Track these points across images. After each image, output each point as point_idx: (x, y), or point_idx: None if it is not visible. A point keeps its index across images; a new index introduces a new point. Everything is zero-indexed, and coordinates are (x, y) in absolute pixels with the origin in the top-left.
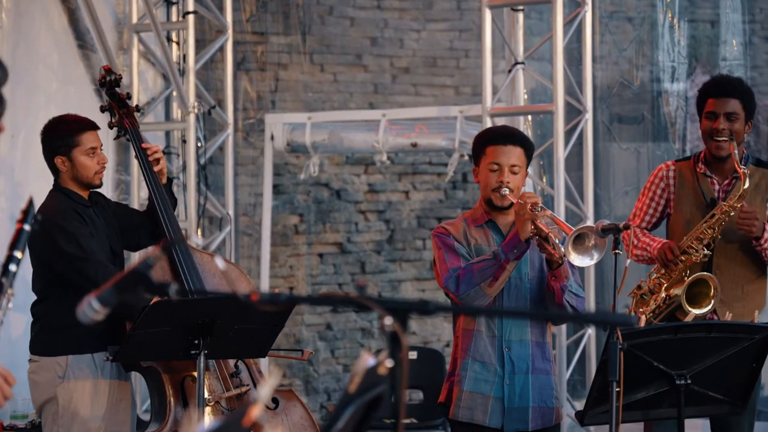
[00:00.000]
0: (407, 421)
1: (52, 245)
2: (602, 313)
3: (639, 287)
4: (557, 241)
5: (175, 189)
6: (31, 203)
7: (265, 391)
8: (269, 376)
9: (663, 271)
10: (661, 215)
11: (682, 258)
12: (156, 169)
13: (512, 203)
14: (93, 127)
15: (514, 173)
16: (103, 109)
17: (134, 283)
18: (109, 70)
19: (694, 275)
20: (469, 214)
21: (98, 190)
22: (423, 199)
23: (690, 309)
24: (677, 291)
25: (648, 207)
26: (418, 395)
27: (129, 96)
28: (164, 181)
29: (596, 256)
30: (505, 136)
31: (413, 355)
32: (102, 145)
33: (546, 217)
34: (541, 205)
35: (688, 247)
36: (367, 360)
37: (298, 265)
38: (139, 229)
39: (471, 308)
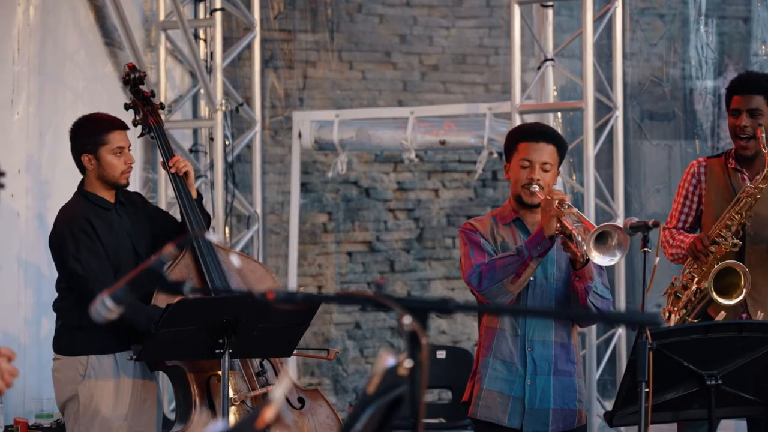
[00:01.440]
0: (435, 420)
1: (61, 258)
2: (626, 312)
3: (672, 285)
4: (580, 239)
5: (202, 187)
6: None
7: (279, 392)
8: (284, 377)
9: (695, 265)
10: (696, 213)
11: (712, 249)
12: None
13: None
14: (122, 126)
15: (546, 171)
16: (127, 107)
17: (148, 281)
18: (133, 68)
19: (721, 263)
20: (498, 211)
21: (137, 190)
22: (452, 197)
23: (720, 299)
24: (707, 283)
25: (682, 206)
26: (447, 395)
27: (153, 93)
28: (194, 195)
29: (618, 255)
30: (538, 132)
31: (442, 354)
32: (130, 145)
33: (572, 215)
34: (568, 203)
35: (717, 236)
36: (387, 360)
37: (326, 263)
38: (172, 238)
39: (491, 307)
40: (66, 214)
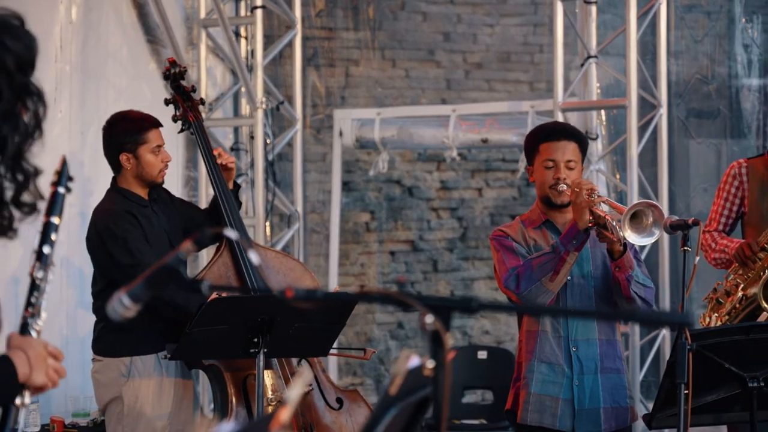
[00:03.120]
0: (476, 422)
1: (105, 251)
2: (656, 312)
3: (714, 290)
4: (615, 224)
5: (243, 185)
6: (64, 163)
7: (295, 392)
8: (299, 377)
9: (740, 271)
10: (737, 215)
11: (761, 255)
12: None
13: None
14: (158, 124)
15: (570, 168)
16: (167, 102)
17: (165, 278)
18: (173, 63)
19: None
20: (526, 216)
21: (164, 185)
22: (496, 196)
23: None
24: (754, 289)
25: (723, 208)
26: (488, 395)
27: (194, 89)
28: (231, 186)
29: (657, 233)
30: (558, 131)
31: (483, 355)
32: (165, 143)
33: (603, 203)
34: (597, 192)
35: (766, 242)
36: (410, 360)
37: (369, 263)
38: (202, 227)
39: (513, 306)
40: (105, 210)
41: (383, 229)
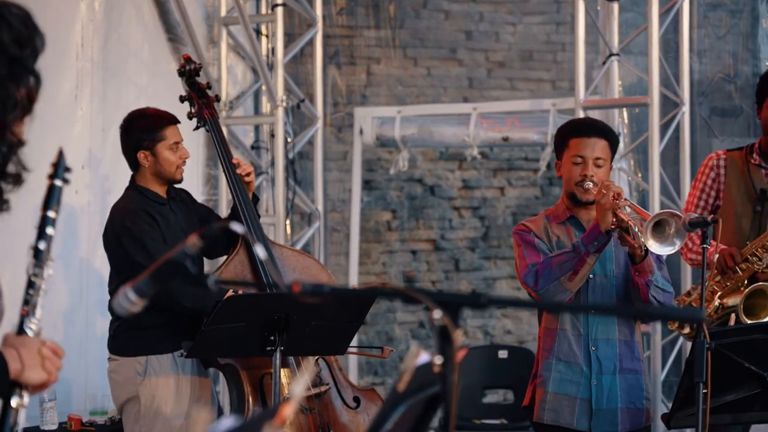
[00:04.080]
0: (497, 421)
1: (122, 251)
2: (669, 308)
3: (689, 294)
4: (637, 230)
5: (264, 184)
6: (61, 155)
7: (299, 389)
8: (304, 373)
9: (718, 278)
10: (711, 208)
11: (743, 266)
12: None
13: None
14: (175, 121)
15: (599, 166)
16: (182, 99)
17: (171, 272)
18: (188, 59)
19: (754, 285)
20: (551, 210)
21: (185, 187)
22: (518, 195)
23: (747, 321)
24: (733, 301)
25: (698, 199)
26: (509, 395)
27: (209, 86)
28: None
29: (678, 244)
30: (589, 127)
31: (504, 354)
32: (183, 140)
33: (628, 207)
34: (624, 196)
35: (751, 254)
36: (419, 356)
37: (390, 262)
38: (216, 238)
39: (522, 302)
40: (123, 209)
41: (405, 228)
